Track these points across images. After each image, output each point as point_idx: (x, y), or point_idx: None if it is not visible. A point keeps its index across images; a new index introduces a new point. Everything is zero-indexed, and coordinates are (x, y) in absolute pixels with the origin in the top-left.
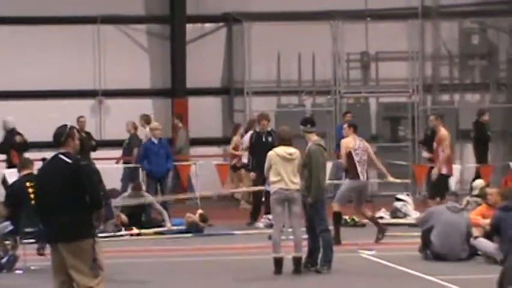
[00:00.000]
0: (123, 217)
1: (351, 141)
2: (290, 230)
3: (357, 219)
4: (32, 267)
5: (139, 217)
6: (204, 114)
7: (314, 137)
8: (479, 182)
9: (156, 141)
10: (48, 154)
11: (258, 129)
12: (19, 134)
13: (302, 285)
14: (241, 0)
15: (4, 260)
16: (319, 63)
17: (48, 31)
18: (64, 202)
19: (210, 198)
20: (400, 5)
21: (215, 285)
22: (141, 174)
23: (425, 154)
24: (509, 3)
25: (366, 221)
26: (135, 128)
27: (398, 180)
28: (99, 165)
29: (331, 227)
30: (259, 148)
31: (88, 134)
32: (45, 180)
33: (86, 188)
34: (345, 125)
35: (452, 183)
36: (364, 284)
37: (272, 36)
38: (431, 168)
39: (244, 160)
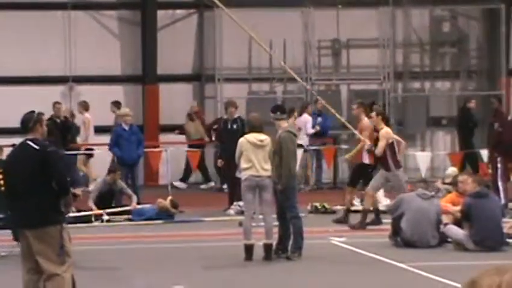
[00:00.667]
0: (91, 205)
1: (390, 132)
2: (261, 216)
3: (327, 206)
4: (3, 253)
5: (109, 202)
6: (175, 101)
7: (284, 124)
8: (452, 170)
9: (127, 127)
10: (19, 140)
11: (225, 117)
12: None
13: (272, 272)
14: None
15: None
16: (290, 50)
17: (18, 17)
18: (32, 188)
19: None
20: None
21: (185, 271)
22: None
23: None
24: None
25: (340, 207)
26: (73, 115)
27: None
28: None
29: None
30: (226, 135)
31: (66, 118)
32: (13, 166)
33: (53, 173)
34: (373, 114)
35: (423, 170)
36: (335, 271)
37: (243, 23)
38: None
39: (301, 142)
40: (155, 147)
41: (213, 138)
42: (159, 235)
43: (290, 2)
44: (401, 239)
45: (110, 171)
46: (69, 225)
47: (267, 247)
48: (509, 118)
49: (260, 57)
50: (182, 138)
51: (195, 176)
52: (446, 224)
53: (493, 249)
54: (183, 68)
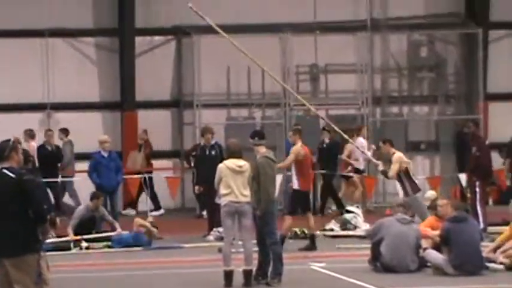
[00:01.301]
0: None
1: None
2: (240, 242)
3: (306, 231)
4: None
5: (90, 229)
6: (154, 127)
7: (262, 150)
8: (430, 194)
9: (105, 154)
10: None
11: (202, 143)
12: None
13: None
14: (191, 13)
15: None
16: (269, 75)
17: None
18: (9, 216)
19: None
20: (348, 17)
21: None
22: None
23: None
24: (457, 15)
25: (319, 232)
26: (19, 143)
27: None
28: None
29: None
30: (204, 161)
31: (57, 147)
32: None
33: (30, 202)
34: (381, 143)
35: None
36: None
37: (221, 49)
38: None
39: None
40: (134, 173)
41: (192, 165)
42: (139, 262)
43: (268, 28)
44: (380, 264)
45: (93, 197)
46: (48, 253)
47: (247, 273)
48: (486, 142)
49: (238, 83)
50: (162, 164)
51: (174, 203)
52: (425, 249)
53: (472, 273)
54: (162, 94)
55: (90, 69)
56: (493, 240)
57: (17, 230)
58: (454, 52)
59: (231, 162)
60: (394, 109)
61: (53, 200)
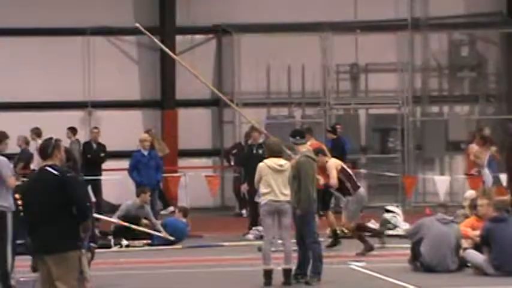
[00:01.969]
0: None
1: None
2: (280, 241)
3: (346, 230)
4: (22, 279)
5: (130, 227)
6: (194, 126)
7: (303, 149)
8: (470, 193)
9: (145, 152)
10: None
11: (249, 142)
12: None
13: None
14: (231, 12)
15: None
16: (309, 74)
17: (39, 43)
18: (51, 214)
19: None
20: (389, 16)
21: None
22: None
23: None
24: (498, 15)
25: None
26: (27, 142)
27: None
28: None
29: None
30: (251, 160)
31: (101, 144)
32: (32, 192)
33: (73, 199)
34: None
35: (442, 194)
36: None
37: (261, 48)
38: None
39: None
40: (174, 172)
41: (232, 163)
42: (178, 260)
43: (308, 27)
44: (420, 264)
45: (140, 192)
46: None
47: (286, 272)
48: None
49: (279, 82)
50: (201, 163)
51: (213, 201)
52: (465, 249)
53: None
54: (202, 93)
55: (131, 67)
56: None
57: (59, 227)
58: (495, 51)
59: (272, 161)
60: (435, 109)
61: (93, 198)
